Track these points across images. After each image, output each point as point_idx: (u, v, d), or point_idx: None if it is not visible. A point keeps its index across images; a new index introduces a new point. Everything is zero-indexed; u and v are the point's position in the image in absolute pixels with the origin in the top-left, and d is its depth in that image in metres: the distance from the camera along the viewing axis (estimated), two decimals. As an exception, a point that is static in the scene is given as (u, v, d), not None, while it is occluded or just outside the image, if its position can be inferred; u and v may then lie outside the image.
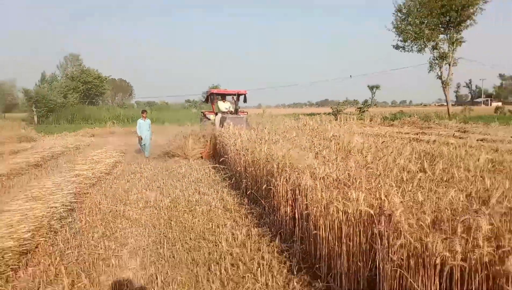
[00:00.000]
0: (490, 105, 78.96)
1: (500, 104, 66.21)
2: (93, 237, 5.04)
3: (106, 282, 3.84)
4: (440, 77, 31.51)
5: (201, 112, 17.11)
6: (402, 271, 2.50)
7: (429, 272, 2.39)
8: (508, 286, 2.16)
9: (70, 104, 42.58)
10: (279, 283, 3.67)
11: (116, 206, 6.47)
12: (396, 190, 3.32)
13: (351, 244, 3.30)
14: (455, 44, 31.10)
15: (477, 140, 10.18)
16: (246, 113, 15.99)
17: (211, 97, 16.43)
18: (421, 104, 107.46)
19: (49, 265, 4.19)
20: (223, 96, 16.37)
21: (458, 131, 18.19)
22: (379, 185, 3.56)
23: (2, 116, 38.35)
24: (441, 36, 31.66)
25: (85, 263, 4.24)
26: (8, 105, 42.74)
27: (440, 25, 31.27)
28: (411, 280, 2.45)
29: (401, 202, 2.94)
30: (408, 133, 17.74)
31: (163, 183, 8.31)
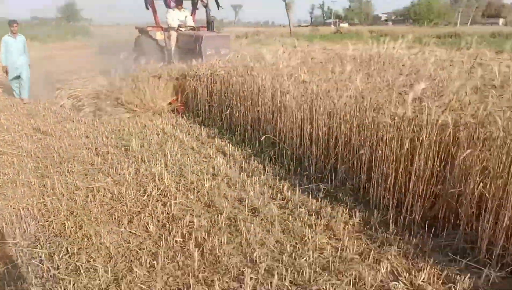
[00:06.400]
0: (339, 26, 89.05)
1: (347, 25, 76.11)
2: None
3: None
4: (284, 0, 36.78)
5: (137, 28, 10.66)
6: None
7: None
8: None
9: None
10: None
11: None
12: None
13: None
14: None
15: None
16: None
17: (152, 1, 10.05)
18: (280, 25, 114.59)
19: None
20: (178, 0, 9.89)
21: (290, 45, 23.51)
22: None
23: None
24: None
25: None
26: None
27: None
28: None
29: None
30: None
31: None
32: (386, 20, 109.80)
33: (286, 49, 7.07)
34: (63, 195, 3.90)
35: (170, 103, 7.33)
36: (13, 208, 3.64)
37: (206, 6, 9.54)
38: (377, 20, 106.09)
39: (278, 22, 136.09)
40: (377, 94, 3.89)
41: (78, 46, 25.55)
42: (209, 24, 9.31)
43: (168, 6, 9.78)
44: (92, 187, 4.07)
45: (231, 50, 8.08)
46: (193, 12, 10.48)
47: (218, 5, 9.97)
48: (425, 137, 3.12)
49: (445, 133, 3.11)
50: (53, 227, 3.29)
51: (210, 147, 5.39)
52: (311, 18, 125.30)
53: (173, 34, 9.50)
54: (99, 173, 4.47)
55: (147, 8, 10.12)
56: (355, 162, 3.82)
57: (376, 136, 3.54)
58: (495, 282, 2.53)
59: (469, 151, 2.73)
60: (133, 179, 4.26)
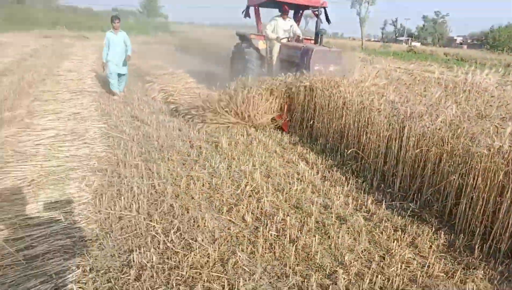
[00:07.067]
0: (410, 44, 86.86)
1: (419, 44, 74.22)
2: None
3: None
4: (358, 14, 36.59)
5: (238, 35, 9.83)
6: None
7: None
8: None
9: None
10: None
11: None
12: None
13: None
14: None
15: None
16: (311, 41, 8.83)
17: (257, 8, 9.41)
18: (349, 38, 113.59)
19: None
20: (285, 9, 8.81)
21: (359, 58, 23.54)
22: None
23: None
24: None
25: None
26: None
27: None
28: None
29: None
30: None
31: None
32: (461, 43, 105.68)
33: (372, 68, 7.26)
34: (167, 180, 4.37)
35: (274, 119, 6.92)
36: (127, 185, 4.15)
37: (318, 16, 8.52)
38: (451, 42, 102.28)
39: (347, 34, 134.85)
40: (471, 123, 4.01)
41: (158, 41, 27.09)
42: (319, 37, 8.13)
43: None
44: (191, 176, 4.52)
45: (342, 67, 7.19)
46: (317, 23, 8.55)
47: (328, 20, 8.88)
48: (521, 171, 3.23)
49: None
50: (163, 207, 3.74)
51: (292, 153, 5.70)
52: (382, 34, 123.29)
53: (276, 45, 8.63)
54: (195, 164, 4.92)
55: (246, 16, 9.64)
56: (443, 186, 3.95)
57: (468, 164, 3.66)
58: None
59: None
60: (226, 173, 4.66)
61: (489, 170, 3.44)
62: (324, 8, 8.80)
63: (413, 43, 74.78)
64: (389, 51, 39.11)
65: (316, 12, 8.60)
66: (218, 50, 15.02)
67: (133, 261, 2.88)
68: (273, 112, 6.85)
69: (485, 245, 3.37)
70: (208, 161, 5.02)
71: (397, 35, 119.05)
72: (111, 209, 3.63)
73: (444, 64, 24.20)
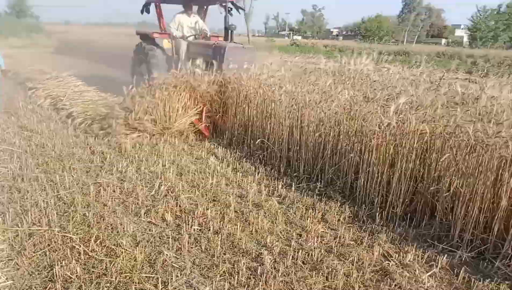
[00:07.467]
0: (292, 38, 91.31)
1: (299, 38, 78.52)
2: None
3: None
4: (243, 9, 37.45)
5: (138, 33, 9.02)
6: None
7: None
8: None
9: None
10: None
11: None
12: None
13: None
14: (256, -19, 36.96)
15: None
16: (218, 38, 8.29)
17: (158, 4, 8.85)
18: (238, 35, 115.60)
19: None
20: (187, 4, 8.48)
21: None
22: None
23: None
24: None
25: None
26: None
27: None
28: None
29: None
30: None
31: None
32: (337, 35, 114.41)
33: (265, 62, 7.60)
34: (73, 190, 4.14)
35: (193, 124, 6.34)
36: (31, 200, 3.85)
37: (226, 9, 7.79)
38: (328, 34, 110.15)
39: (236, 32, 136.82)
40: (361, 105, 4.49)
41: (33, 44, 24.92)
42: (229, 33, 7.59)
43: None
44: (99, 183, 4.34)
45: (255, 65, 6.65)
46: (225, 19, 7.84)
47: (238, 8, 8.33)
48: (407, 143, 3.73)
49: (423, 140, 3.73)
50: (76, 217, 3.56)
51: (200, 149, 5.76)
52: (266, 29, 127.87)
53: (183, 43, 8.14)
54: (101, 170, 4.73)
55: (143, 12, 8.65)
56: (342, 165, 4.37)
57: (363, 142, 4.11)
58: (466, 261, 3.15)
59: (447, 155, 3.36)
60: (136, 176, 4.57)
61: (381, 145, 3.91)
62: (232, 1, 8.11)
63: (295, 37, 78.97)
64: (274, 45, 40.82)
65: (224, 5, 7.87)
66: (109, 51, 14.39)
67: (56, 275, 2.73)
68: (192, 115, 6.25)
69: (384, 212, 3.83)
70: (114, 166, 4.85)
71: (279, 29, 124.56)
72: (18, 227, 3.36)
73: (326, 55, 26.15)
